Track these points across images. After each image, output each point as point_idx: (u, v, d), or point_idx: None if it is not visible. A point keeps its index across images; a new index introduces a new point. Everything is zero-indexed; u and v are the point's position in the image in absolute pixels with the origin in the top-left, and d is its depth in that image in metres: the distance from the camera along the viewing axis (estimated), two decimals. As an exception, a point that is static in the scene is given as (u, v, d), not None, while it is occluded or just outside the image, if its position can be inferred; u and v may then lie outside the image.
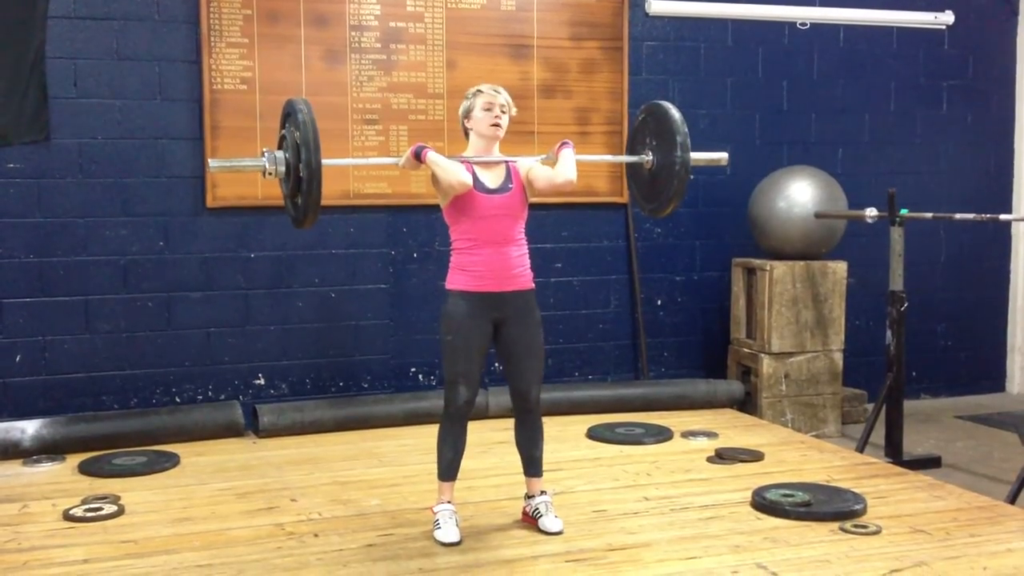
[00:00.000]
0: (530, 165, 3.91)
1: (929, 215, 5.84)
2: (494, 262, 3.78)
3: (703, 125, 6.63)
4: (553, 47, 6.21)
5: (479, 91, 3.84)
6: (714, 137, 6.65)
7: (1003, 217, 6.08)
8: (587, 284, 6.45)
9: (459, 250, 3.85)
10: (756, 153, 6.74)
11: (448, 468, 3.88)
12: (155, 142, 5.61)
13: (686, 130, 4.05)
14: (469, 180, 3.72)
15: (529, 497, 4.00)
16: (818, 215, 6.10)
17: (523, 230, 3.90)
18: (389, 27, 5.92)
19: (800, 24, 6.76)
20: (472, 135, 3.87)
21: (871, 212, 5.73)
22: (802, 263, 6.19)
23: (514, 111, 3.88)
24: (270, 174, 3.67)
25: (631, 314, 6.55)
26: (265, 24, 5.67)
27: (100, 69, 5.49)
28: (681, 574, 3.48)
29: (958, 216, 5.86)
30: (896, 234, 5.56)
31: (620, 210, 6.46)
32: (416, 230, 6.07)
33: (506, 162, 3.88)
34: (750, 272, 6.39)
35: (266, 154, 3.66)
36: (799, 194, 6.14)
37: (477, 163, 3.83)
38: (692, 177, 4.17)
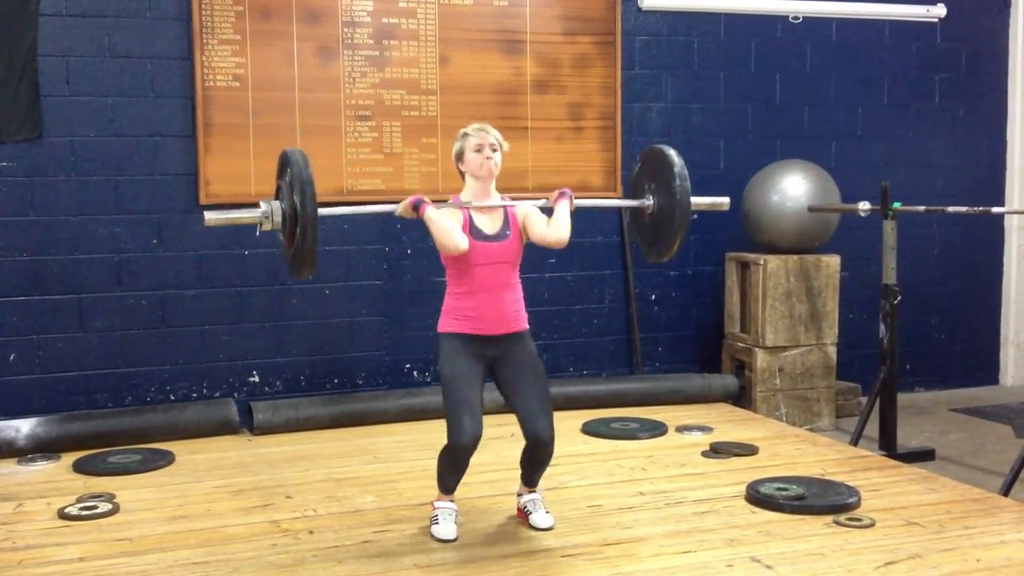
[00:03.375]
0: (527, 211, 3.83)
1: (922, 208, 5.86)
2: (488, 310, 3.74)
3: (696, 119, 6.64)
4: (546, 42, 6.21)
5: (467, 134, 3.79)
6: (707, 131, 6.67)
7: (995, 210, 6.10)
8: (581, 279, 6.46)
9: (453, 295, 3.80)
10: (749, 147, 6.75)
11: (452, 488, 3.88)
12: (148, 139, 5.60)
13: (686, 173, 3.99)
14: (465, 245, 3.66)
15: (520, 495, 4.02)
16: (811, 209, 6.10)
17: (519, 275, 3.85)
18: (382, 23, 5.91)
19: (793, 18, 6.76)
20: (468, 177, 3.82)
21: (864, 206, 5.74)
22: (795, 257, 6.20)
23: (506, 147, 3.82)
24: (266, 226, 3.64)
25: (625, 309, 6.56)
26: (257, 21, 5.66)
27: (92, 66, 5.48)
28: (676, 568, 3.49)
29: (951, 209, 5.87)
30: (889, 227, 5.56)
31: (614, 205, 6.47)
32: (410, 227, 6.06)
33: (504, 207, 3.81)
34: (744, 266, 6.40)
35: (262, 205, 3.63)
36: (792, 188, 6.15)
37: (476, 209, 3.77)
38: (695, 216, 4.11)
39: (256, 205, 3.66)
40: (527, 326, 3.89)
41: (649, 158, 4.18)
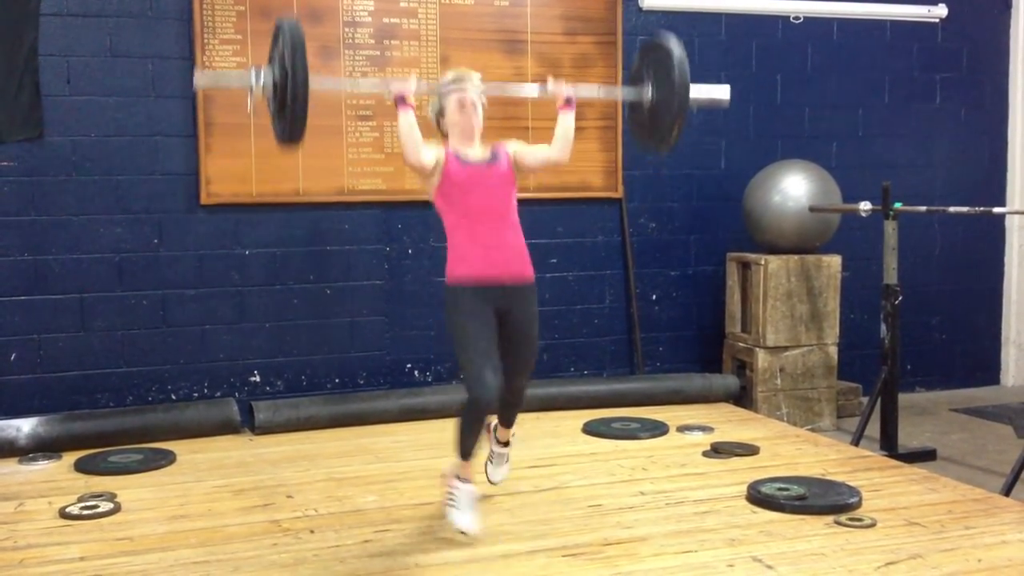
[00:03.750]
0: (516, 145, 3.85)
1: (923, 208, 5.86)
2: (492, 242, 3.69)
3: (697, 119, 6.61)
4: (547, 42, 6.21)
5: (443, 85, 3.73)
6: (708, 131, 6.67)
7: (997, 210, 6.11)
8: (582, 279, 6.46)
9: (453, 234, 3.75)
10: (750, 147, 6.75)
11: (470, 450, 3.72)
12: (149, 139, 5.61)
13: (687, 65, 3.95)
14: (425, 158, 3.62)
15: (494, 443, 4.13)
16: (812, 209, 6.10)
17: (516, 211, 3.80)
18: (383, 23, 5.91)
19: (794, 18, 6.76)
20: (451, 136, 3.77)
21: (865, 206, 5.74)
22: (796, 257, 6.20)
23: (483, 89, 3.78)
24: (255, 90, 3.61)
25: (626, 309, 6.56)
26: (258, 20, 5.66)
27: (93, 66, 5.48)
28: (677, 568, 3.49)
29: (952, 209, 5.87)
30: (890, 227, 5.56)
31: (615, 205, 6.47)
32: (411, 226, 6.07)
33: (493, 144, 3.80)
34: (745, 266, 6.40)
35: (252, 70, 3.61)
36: (793, 188, 6.15)
37: (460, 143, 3.75)
38: (694, 111, 4.11)
39: (248, 72, 3.61)
40: (533, 276, 3.86)
41: (650, 50, 4.15)
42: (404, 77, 3.88)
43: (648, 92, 4.09)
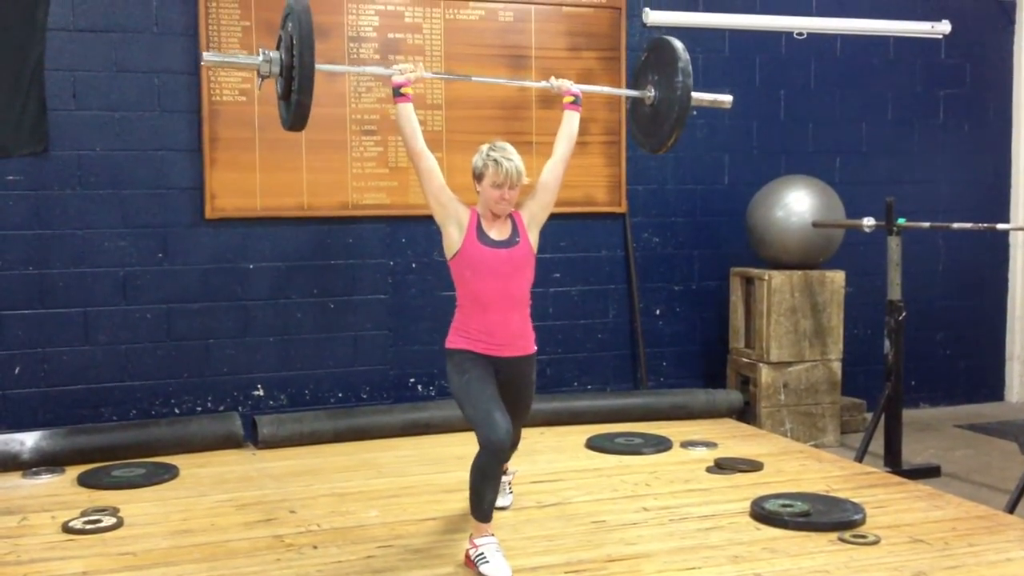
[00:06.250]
0: (525, 203, 3.88)
1: (927, 224, 5.86)
2: (497, 328, 3.72)
3: (701, 135, 6.65)
4: (551, 57, 6.22)
5: (490, 160, 3.69)
6: (712, 147, 6.68)
7: (1000, 226, 6.11)
8: (586, 294, 6.46)
9: (463, 310, 3.79)
10: (754, 162, 6.76)
11: (489, 510, 3.62)
12: (154, 154, 5.62)
13: (690, 69, 4.03)
14: (423, 151, 3.74)
15: None
16: (816, 224, 6.11)
17: (529, 290, 3.83)
18: (387, 38, 5.93)
19: (797, 34, 6.77)
20: (481, 204, 3.78)
21: (869, 221, 5.74)
22: (800, 272, 6.20)
23: (525, 180, 3.75)
24: (264, 72, 3.71)
25: (630, 324, 6.56)
26: (263, 35, 5.68)
27: (99, 81, 5.50)
28: (680, 585, 3.49)
29: (956, 225, 5.87)
30: (894, 243, 5.57)
31: (619, 220, 6.47)
32: (415, 241, 6.07)
33: (510, 214, 3.81)
34: (748, 281, 6.40)
35: (261, 52, 3.69)
36: (797, 203, 6.15)
37: (487, 216, 3.77)
38: (694, 112, 4.16)
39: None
40: (535, 349, 3.90)
41: (656, 48, 4.20)
42: (408, 66, 3.96)
43: (651, 90, 4.15)
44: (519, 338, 3.80)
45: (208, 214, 5.68)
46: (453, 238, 3.74)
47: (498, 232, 3.76)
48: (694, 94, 4.06)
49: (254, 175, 5.73)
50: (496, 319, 3.72)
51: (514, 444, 3.98)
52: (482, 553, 3.55)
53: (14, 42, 5.30)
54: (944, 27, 7.00)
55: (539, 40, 6.20)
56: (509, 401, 3.76)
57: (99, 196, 5.54)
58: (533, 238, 3.85)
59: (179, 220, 5.68)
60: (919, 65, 7.16)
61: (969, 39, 7.21)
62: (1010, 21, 7.38)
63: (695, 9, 6.57)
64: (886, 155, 7.12)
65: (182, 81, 5.62)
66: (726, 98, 4.35)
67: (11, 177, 5.38)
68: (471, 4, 6.08)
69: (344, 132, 5.88)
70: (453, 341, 3.79)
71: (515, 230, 3.80)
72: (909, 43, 7.07)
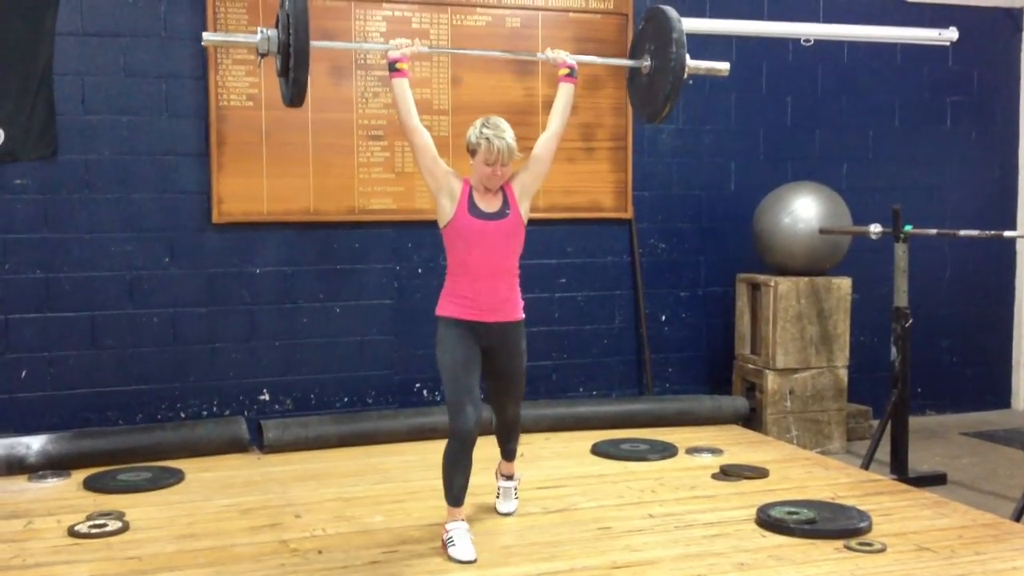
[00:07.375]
0: (517, 172, 3.97)
1: (933, 231, 5.84)
2: (484, 295, 3.86)
3: (707, 141, 6.65)
4: (558, 63, 6.21)
5: (483, 139, 3.80)
6: (718, 153, 6.68)
7: (1007, 234, 6.08)
8: (591, 299, 6.45)
9: (453, 276, 3.92)
10: (760, 169, 6.76)
11: (459, 494, 3.85)
12: (162, 158, 5.64)
13: (684, 40, 4.08)
14: (418, 127, 3.85)
15: (498, 478, 4.32)
16: (822, 231, 6.10)
17: (517, 259, 3.95)
18: (394, 44, 5.93)
19: (804, 41, 6.77)
20: (474, 176, 3.90)
21: (875, 228, 5.73)
22: (807, 279, 6.19)
23: (517, 157, 3.86)
24: (262, 50, 3.83)
25: (635, 329, 6.56)
26: (271, 41, 5.69)
27: (107, 85, 5.52)
28: (686, 592, 3.48)
29: (962, 233, 5.85)
30: (900, 250, 5.55)
31: (624, 226, 6.47)
32: (421, 246, 6.08)
33: (501, 186, 3.91)
34: (754, 288, 6.39)
35: (260, 31, 3.83)
36: (803, 210, 6.15)
37: (479, 189, 3.89)
38: (690, 82, 4.18)
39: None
40: (522, 315, 4.00)
41: (652, 18, 4.27)
42: (405, 41, 3.99)
43: (647, 59, 4.22)
44: (505, 303, 3.91)
45: (215, 218, 5.69)
46: (445, 209, 3.87)
47: (489, 204, 3.88)
48: (690, 62, 4.12)
49: (261, 180, 5.74)
50: (484, 286, 3.85)
51: (513, 423, 4.19)
52: (451, 537, 3.79)
53: (23, 46, 5.33)
54: (951, 34, 7.00)
55: (546, 46, 6.14)
56: (501, 375, 3.97)
57: (107, 200, 5.56)
58: (524, 209, 3.94)
59: (186, 224, 5.70)
60: (926, 72, 7.16)
61: (976, 46, 7.20)
62: (1017, 28, 7.37)
63: (702, 15, 6.56)
64: (893, 162, 7.11)
65: (190, 86, 5.64)
66: (723, 65, 4.39)
67: (19, 181, 5.40)
68: (479, 10, 6.09)
69: (351, 137, 5.89)
70: (443, 308, 3.93)
71: (506, 202, 3.90)
72: (916, 50, 7.07)
